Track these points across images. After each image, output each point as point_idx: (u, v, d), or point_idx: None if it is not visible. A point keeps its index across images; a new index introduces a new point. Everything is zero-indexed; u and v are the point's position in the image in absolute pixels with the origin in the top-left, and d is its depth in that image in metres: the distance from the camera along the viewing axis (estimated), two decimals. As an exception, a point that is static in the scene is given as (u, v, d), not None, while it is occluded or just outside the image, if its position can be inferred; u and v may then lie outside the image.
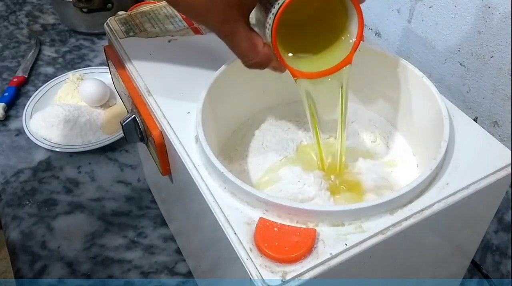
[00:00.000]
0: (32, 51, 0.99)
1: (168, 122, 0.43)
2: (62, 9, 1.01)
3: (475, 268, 0.62)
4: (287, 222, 0.35)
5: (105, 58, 0.56)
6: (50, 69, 0.96)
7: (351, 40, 0.39)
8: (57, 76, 0.90)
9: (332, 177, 0.44)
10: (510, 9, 0.47)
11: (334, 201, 0.42)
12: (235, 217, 0.36)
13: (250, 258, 0.33)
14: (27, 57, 0.97)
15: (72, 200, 0.72)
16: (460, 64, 0.56)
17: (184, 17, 0.54)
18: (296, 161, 0.46)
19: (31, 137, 0.78)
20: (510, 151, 0.41)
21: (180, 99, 0.45)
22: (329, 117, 0.44)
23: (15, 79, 0.91)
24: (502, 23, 0.49)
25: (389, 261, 0.39)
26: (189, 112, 0.43)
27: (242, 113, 0.51)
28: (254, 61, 0.38)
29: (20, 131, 0.82)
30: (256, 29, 0.39)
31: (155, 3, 0.56)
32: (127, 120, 0.48)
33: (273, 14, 0.36)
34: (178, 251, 0.65)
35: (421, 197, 0.37)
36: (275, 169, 0.44)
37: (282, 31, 0.37)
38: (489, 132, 0.42)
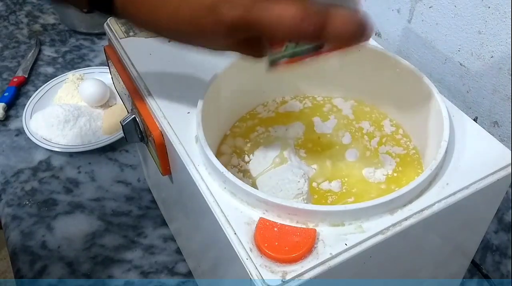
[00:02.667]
0: (32, 51, 0.99)
1: (168, 122, 0.43)
2: (62, 9, 1.01)
3: (475, 268, 0.62)
4: (287, 222, 0.35)
5: (105, 58, 0.56)
6: (50, 69, 0.96)
7: None
8: (57, 76, 0.90)
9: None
10: (510, 9, 0.47)
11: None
12: (235, 217, 0.36)
13: (250, 258, 0.33)
14: (27, 57, 0.97)
15: (72, 200, 0.72)
16: (460, 64, 0.56)
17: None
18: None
19: (31, 137, 0.78)
20: (510, 151, 0.41)
21: (180, 99, 0.45)
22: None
23: (15, 79, 0.91)
24: (502, 23, 0.49)
25: (389, 261, 0.39)
26: (189, 112, 0.43)
27: (242, 113, 0.51)
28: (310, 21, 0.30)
29: (20, 131, 0.82)
30: None
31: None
32: (127, 120, 0.48)
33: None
34: (178, 251, 0.65)
35: (421, 197, 0.37)
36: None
37: None
38: (489, 132, 0.42)
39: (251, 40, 0.34)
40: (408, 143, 0.48)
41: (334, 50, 0.32)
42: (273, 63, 0.35)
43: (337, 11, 0.31)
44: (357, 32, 0.31)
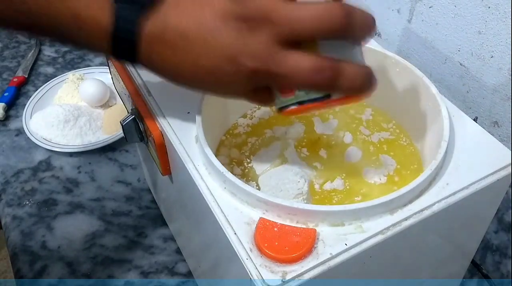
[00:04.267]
0: (32, 51, 0.99)
1: (168, 122, 0.43)
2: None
3: (475, 268, 0.62)
4: (287, 222, 0.35)
5: (105, 58, 0.56)
6: (50, 69, 0.96)
7: None
8: (57, 76, 0.90)
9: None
10: (510, 9, 0.47)
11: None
12: (235, 217, 0.36)
13: (250, 258, 0.33)
14: (27, 57, 0.97)
15: (72, 200, 0.72)
16: (460, 64, 0.56)
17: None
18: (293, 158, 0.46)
19: (31, 137, 0.78)
20: (510, 151, 0.41)
21: (180, 99, 0.45)
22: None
23: (15, 79, 0.91)
24: (502, 23, 0.49)
25: (389, 261, 0.39)
26: (189, 112, 0.43)
27: (242, 113, 0.51)
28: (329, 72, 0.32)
29: (20, 131, 0.82)
30: None
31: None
32: (127, 120, 0.48)
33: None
34: (178, 251, 0.65)
35: (421, 197, 0.37)
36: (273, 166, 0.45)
37: None
38: (489, 132, 0.42)
39: (261, 88, 0.36)
40: (408, 142, 0.48)
41: (342, 99, 0.34)
42: (282, 109, 0.36)
43: (348, 65, 0.33)
44: (366, 84, 0.34)
